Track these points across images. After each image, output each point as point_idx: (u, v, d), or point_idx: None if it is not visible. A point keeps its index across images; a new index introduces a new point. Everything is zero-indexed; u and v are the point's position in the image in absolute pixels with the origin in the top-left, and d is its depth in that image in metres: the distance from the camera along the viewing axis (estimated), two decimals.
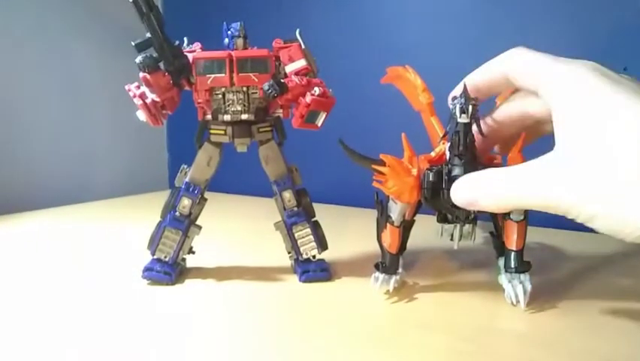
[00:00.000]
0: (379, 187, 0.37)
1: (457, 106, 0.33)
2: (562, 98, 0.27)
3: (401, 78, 0.44)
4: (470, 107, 0.33)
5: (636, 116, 0.24)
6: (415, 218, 0.42)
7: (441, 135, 0.38)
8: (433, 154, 0.37)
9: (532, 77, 0.30)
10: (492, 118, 0.37)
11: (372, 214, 0.41)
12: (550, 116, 0.28)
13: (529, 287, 0.37)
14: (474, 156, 0.34)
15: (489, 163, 0.35)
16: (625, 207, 0.24)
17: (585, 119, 0.26)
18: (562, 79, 0.28)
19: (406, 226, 0.43)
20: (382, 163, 0.36)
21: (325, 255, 0.45)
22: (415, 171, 0.35)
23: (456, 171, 0.33)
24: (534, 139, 0.36)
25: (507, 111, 0.36)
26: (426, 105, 0.41)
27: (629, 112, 0.24)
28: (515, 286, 0.38)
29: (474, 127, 0.34)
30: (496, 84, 0.34)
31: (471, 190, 0.31)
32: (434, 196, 0.35)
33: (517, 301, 0.37)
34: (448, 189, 0.33)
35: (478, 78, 0.35)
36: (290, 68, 0.42)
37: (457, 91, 0.35)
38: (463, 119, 0.33)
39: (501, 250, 0.40)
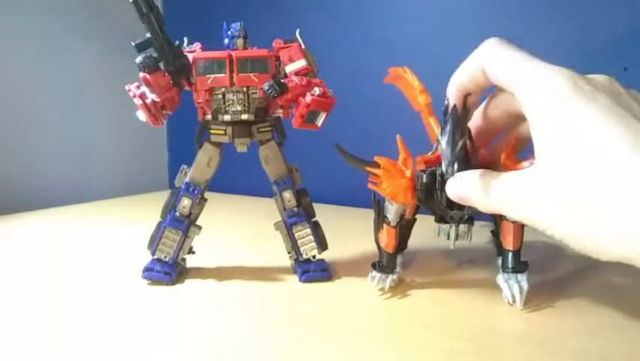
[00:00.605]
0: (374, 189, 0.37)
1: (448, 132, 0.32)
2: (539, 112, 0.27)
3: (401, 79, 0.44)
4: (460, 131, 0.32)
5: (608, 143, 0.23)
6: (415, 217, 0.42)
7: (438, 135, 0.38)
8: (430, 154, 0.38)
9: (507, 76, 0.29)
10: (478, 116, 0.36)
11: (371, 214, 0.41)
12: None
13: (525, 287, 0.38)
14: (467, 159, 0.34)
15: (482, 164, 0.35)
16: (598, 229, 0.23)
17: (559, 140, 0.25)
18: (539, 89, 0.27)
19: (407, 225, 0.43)
20: (377, 165, 0.36)
21: (325, 255, 0.45)
22: (408, 173, 0.36)
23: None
24: (525, 142, 0.36)
25: (492, 109, 0.35)
26: (424, 106, 0.42)
27: (601, 136, 0.24)
28: (512, 286, 0.38)
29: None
30: (479, 80, 0.32)
31: (462, 188, 0.31)
32: (428, 197, 0.35)
33: (514, 301, 0.37)
34: (442, 190, 0.33)
35: (462, 79, 0.33)
36: (290, 68, 0.42)
37: (449, 96, 0.34)
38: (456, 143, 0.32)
39: (501, 249, 0.41)
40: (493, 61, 0.30)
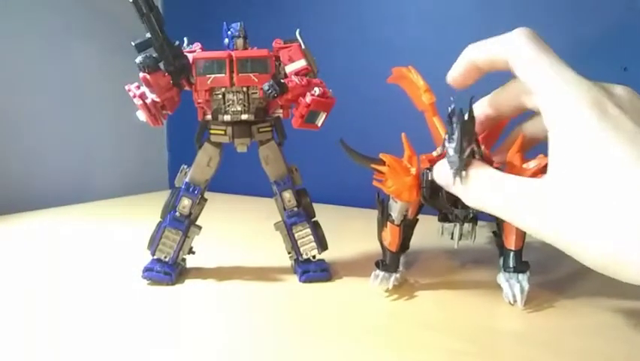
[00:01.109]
0: (379, 186, 0.37)
1: (456, 139, 0.30)
2: (561, 131, 0.26)
3: (405, 78, 0.44)
4: (468, 138, 0.30)
5: (630, 171, 0.23)
6: (418, 217, 0.42)
7: (443, 136, 0.38)
8: (434, 154, 0.38)
9: (532, 77, 0.28)
10: (487, 104, 0.36)
11: (372, 214, 0.41)
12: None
13: (526, 287, 0.38)
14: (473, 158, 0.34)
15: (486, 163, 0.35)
16: (614, 251, 0.23)
17: (578, 161, 0.25)
18: (564, 104, 0.26)
19: (410, 225, 0.43)
20: (382, 162, 0.36)
21: (325, 255, 0.45)
22: (413, 171, 0.36)
23: None
24: (533, 143, 0.36)
25: (502, 100, 0.34)
26: (428, 105, 0.42)
27: (623, 165, 0.24)
28: (513, 286, 0.38)
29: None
30: (498, 65, 0.31)
31: (466, 185, 0.31)
32: (433, 195, 0.35)
33: (515, 301, 0.37)
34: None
35: (479, 57, 0.32)
36: (290, 68, 0.42)
37: (454, 75, 0.34)
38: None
39: (502, 249, 0.41)
40: (520, 56, 0.29)
